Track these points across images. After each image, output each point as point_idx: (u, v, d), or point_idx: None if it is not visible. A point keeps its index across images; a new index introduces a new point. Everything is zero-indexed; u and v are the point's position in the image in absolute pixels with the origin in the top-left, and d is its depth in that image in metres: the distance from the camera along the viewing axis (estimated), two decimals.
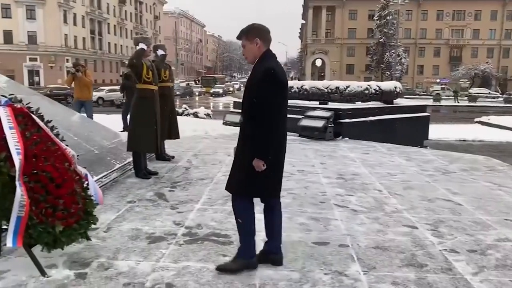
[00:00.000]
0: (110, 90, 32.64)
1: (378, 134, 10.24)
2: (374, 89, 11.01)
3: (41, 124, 3.27)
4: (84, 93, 9.53)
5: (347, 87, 10.90)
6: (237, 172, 3.05)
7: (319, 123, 9.63)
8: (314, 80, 44.02)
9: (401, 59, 56.77)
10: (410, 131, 11.36)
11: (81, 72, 9.50)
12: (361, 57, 64.97)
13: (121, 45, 67.91)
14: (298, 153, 8.03)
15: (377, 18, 60.09)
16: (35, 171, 2.95)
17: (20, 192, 2.77)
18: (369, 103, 11.13)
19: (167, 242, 3.60)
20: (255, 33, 2.95)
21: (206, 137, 10.12)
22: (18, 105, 3.19)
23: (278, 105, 2.87)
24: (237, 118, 12.16)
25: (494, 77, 59.81)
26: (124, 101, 10.84)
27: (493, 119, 21.50)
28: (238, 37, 3.03)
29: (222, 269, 3.07)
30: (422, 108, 12.72)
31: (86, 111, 9.70)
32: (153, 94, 5.79)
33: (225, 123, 12.37)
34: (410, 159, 7.52)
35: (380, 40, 59.63)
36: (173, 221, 4.14)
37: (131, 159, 6.04)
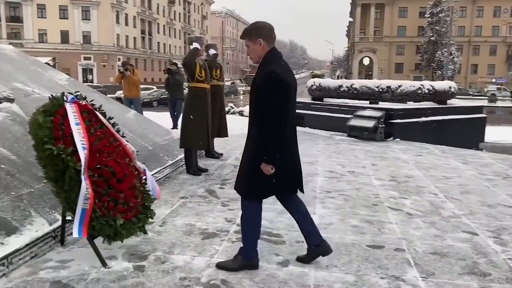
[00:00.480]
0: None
1: (431, 136, 9.89)
2: (428, 89, 10.63)
3: (104, 120, 3.40)
4: (133, 91, 9.84)
5: (399, 86, 10.58)
6: (244, 174, 3.04)
7: (370, 123, 9.42)
8: (361, 79, 43.09)
9: (453, 58, 54.49)
10: (465, 133, 10.87)
11: (129, 71, 9.79)
12: (410, 55, 62.98)
13: (169, 45, 69.59)
14: (347, 153, 7.89)
15: (428, 15, 57.97)
16: (98, 166, 3.07)
17: (85, 186, 2.89)
18: (422, 103, 10.76)
19: (220, 239, 3.65)
20: (258, 33, 2.90)
21: None
22: (83, 102, 3.33)
23: (283, 108, 2.81)
24: None
25: None
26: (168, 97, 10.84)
27: None
28: (242, 37, 2.99)
29: (222, 267, 3.06)
30: (478, 109, 12.13)
31: (136, 108, 10.00)
32: (205, 93, 5.88)
33: None
34: (466, 162, 7.19)
35: (432, 38, 57.53)
36: (224, 218, 4.18)
37: (182, 155, 6.17)
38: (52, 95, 3.19)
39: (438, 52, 56.26)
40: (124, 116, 7.01)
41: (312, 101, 11.90)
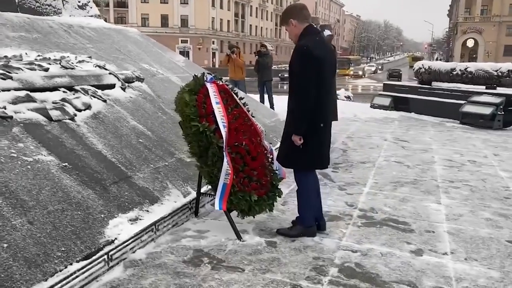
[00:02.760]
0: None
1: None
2: None
3: (238, 100, 3.51)
4: (238, 74, 10.08)
5: None
6: (289, 148, 3.12)
7: (487, 110, 8.68)
8: (463, 62, 39.78)
9: None
10: None
11: (235, 54, 10.04)
12: None
13: (261, 27, 70.15)
14: (463, 141, 7.37)
15: None
16: (236, 144, 3.19)
17: (226, 162, 3.02)
18: None
19: (345, 223, 3.62)
20: (288, 15, 3.08)
21: (355, 119, 9.92)
22: (220, 82, 3.46)
23: (313, 81, 2.91)
24: (386, 101, 11.69)
25: None
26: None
27: None
28: (280, 25, 3.24)
29: (282, 233, 3.26)
30: None
31: (240, 90, 10.23)
32: None
33: (373, 106, 11.98)
34: None
35: None
36: (345, 202, 4.14)
37: None
38: (195, 75, 3.35)
39: None
40: None
41: (420, 85, 11.26)
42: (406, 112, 10.93)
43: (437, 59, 74.17)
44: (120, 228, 2.97)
